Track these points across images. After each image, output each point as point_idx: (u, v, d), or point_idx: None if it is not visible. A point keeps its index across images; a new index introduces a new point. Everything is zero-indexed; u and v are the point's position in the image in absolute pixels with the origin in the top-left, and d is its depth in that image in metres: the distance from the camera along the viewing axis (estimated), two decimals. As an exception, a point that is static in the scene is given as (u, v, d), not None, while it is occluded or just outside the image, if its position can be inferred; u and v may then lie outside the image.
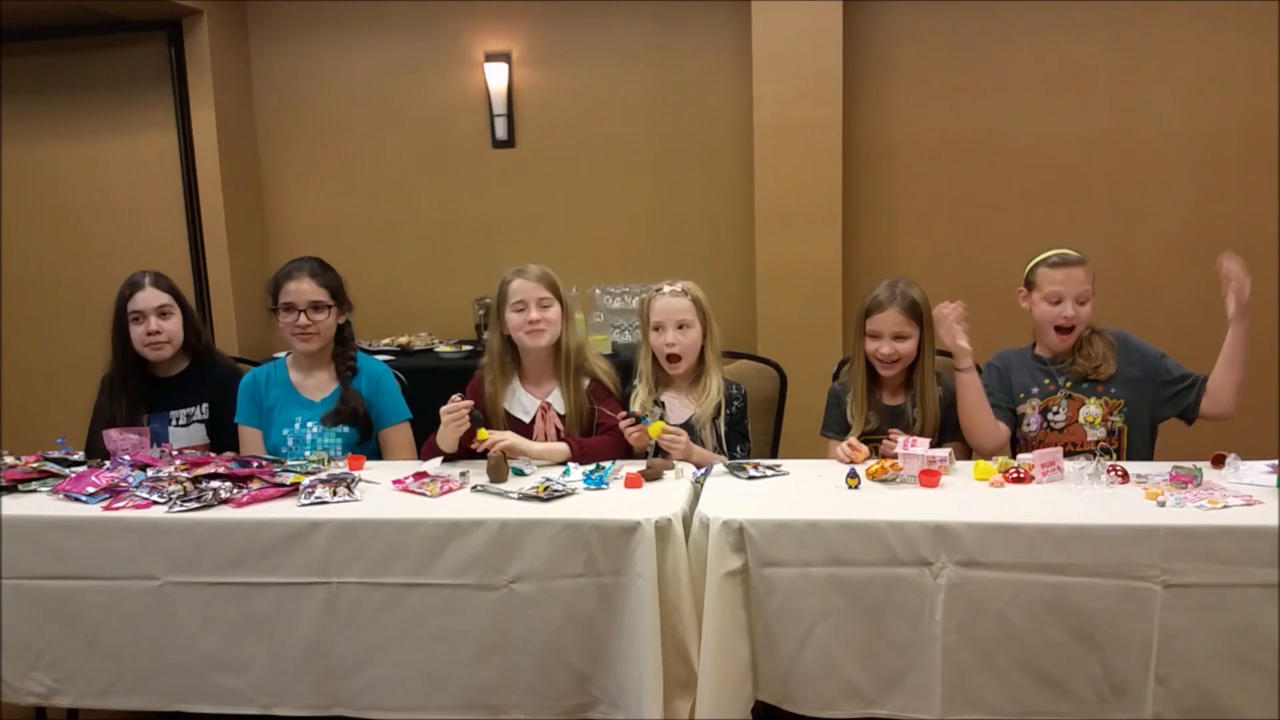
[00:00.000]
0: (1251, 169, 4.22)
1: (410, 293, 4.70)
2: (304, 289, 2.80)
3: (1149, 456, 2.70)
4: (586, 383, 2.78)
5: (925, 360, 2.72)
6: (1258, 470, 2.29)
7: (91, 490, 2.31)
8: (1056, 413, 2.69)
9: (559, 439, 2.71)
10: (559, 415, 2.77)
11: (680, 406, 2.76)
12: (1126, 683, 2.04)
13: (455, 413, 2.57)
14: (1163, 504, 2.12)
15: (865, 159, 4.40)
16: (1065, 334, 2.69)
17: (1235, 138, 4.22)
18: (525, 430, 2.73)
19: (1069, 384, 2.70)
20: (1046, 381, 2.72)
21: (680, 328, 2.73)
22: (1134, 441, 2.68)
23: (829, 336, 4.27)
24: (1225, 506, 2.09)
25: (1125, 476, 2.28)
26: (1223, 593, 2.00)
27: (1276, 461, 2.27)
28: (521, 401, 2.79)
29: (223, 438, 2.87)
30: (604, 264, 4.55)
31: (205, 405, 2.92)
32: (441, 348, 4.46)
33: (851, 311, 4.31)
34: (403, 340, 4.51)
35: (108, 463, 2.54)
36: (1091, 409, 2.66)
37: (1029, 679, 2.07)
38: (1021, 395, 2.75)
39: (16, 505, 2.31)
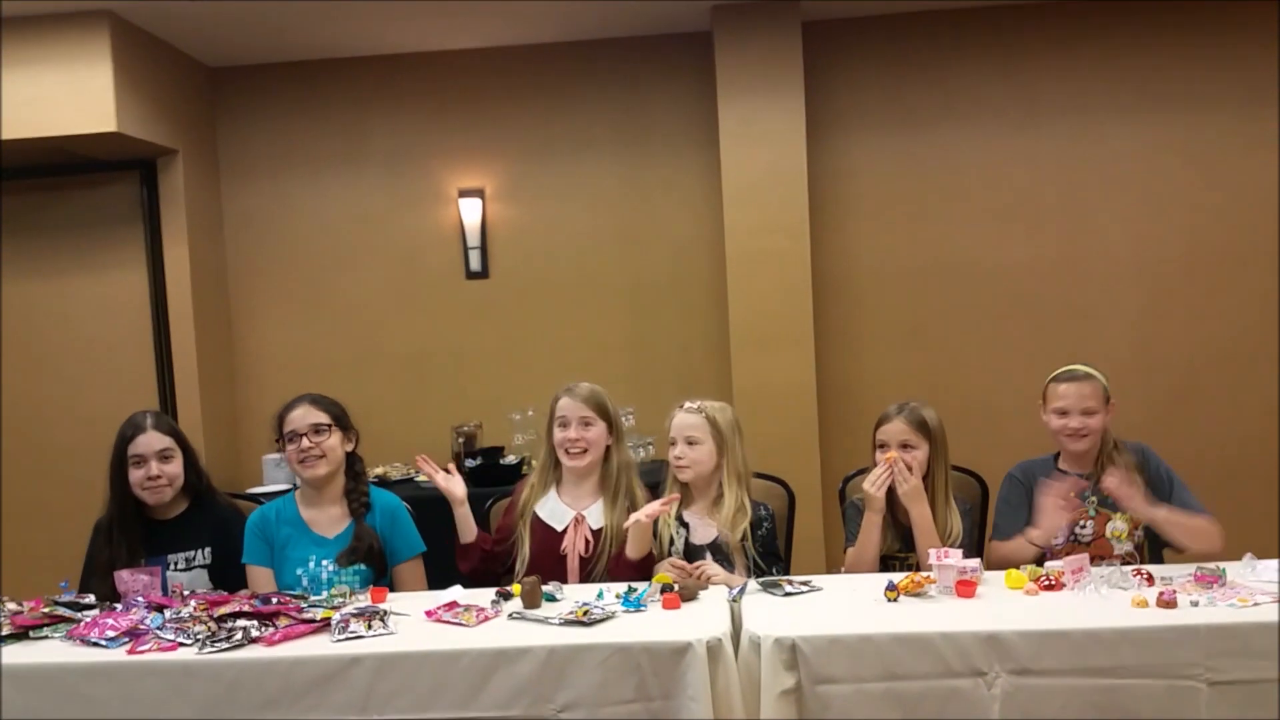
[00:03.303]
0: (1194, 287, 4.50)
1: (385, 424, 4.61)
2: (305, 415, 2.79)
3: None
4: (628, 504, 2.79)
5: (937, 477, 2.80)
6: (1273, 568, 2.36)
7: (112, 634, 2.20)
8: (1084, 527, 2.74)
9: (589, 552, 2.76)
10: (591, 530, 2.78)
11: (704, 526, 2.78)
12: (1180, 783, 2.06)
13: None
14: (1196, 604, 2.18)
15: (832, 285, 4.59)
16: (1078, 439, 2.77)
17: (1177, 259, 4.50)
18: (555, 539, 2.77)
19: (1095, 499, 2.76)
20: (1073, 496, 2.77)
21: (689, 443, 2.78)
22: (1154, 552, 2.77)
23: (808, 454, 4.37)
24: (1256, 604, 2.16)
25: (1151, 579, 2.34)
26: (1265, 688, 2.04)
27: (1291, 561, 2.36)
28: (555, 510, 2.84)
29: (228, 582, 2.76)
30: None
31: (208, 550, 2.81)
32: (420, 477, 4.39)
33: (827, 429, 4.46)
34: (379, 471, 4.43)
35: (119, 605, 2.42)
36: (1118, 524, 2.74)
37: (1085, 786, 2.07)
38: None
39: (30, 653, 2.19)
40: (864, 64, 4.55)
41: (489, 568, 2.86)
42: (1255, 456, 4.46)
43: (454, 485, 2.83)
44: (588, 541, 2.78)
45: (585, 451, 2.81)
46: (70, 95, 3.97)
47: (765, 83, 4.34)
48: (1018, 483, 2.88)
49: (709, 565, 2.67)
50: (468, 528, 2.84)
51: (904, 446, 2.76)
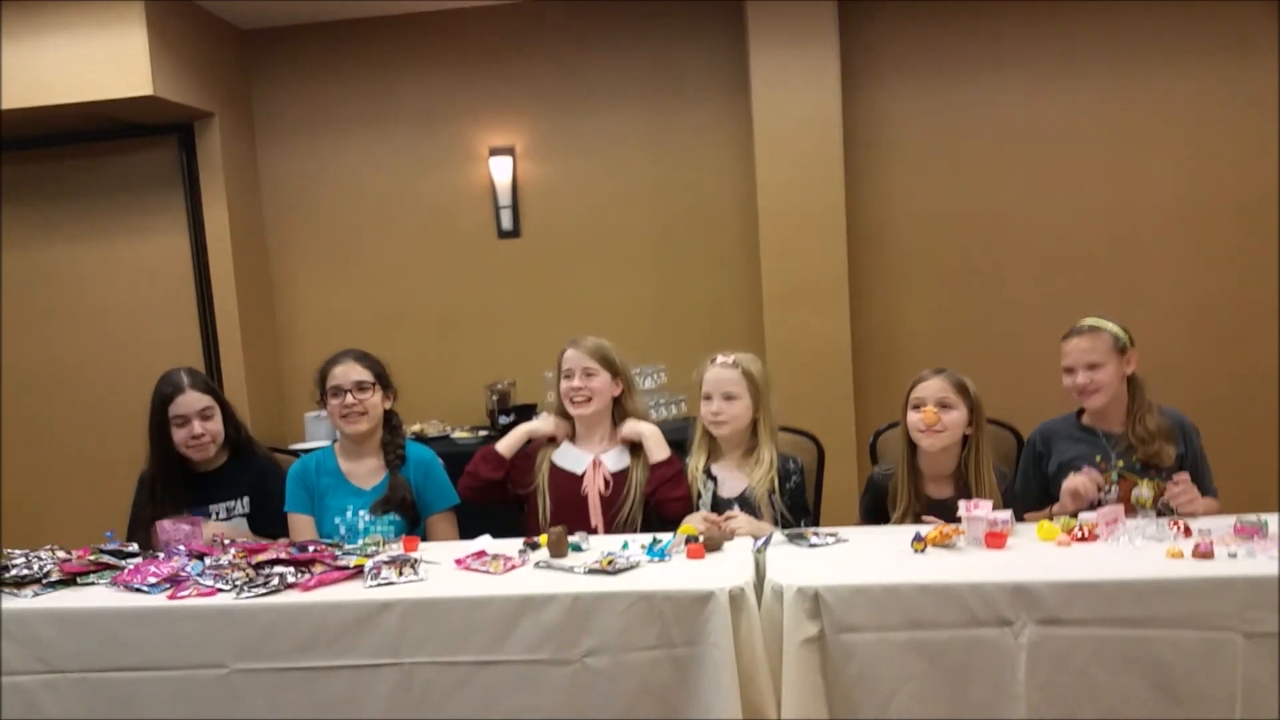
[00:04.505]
0: (1246, 235, 4.37)
1: (421, 382, 4.63)
2: (348, 371, 2.85)
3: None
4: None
5: (978, 450, 2.69)
6: (1317, 520, 2.33)
7: (153, 580, 2.26)
8: (1108, 492, 2.67)
9: (609, 491, 2.81)
10: (610, 471, 2.85)
11: (733, 479, 2.78)
12: (1212, 735, 2.03)
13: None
14: (1234, 555, 2.14)
15: (867, 236, 4.52)
16: (1087, 396, 2.71)
17: (1229, 205, 4.37)
18: (574, 482, 2.83)
19: (1122, 464, 2.70)
20: (1098, 458, 2.71)
21: (727, 398, 2.77)
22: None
23: (842, 409, 4.35)
24: (1295, 556, 2.12)
25: (1188, 531, 2.30)
26: (1302, 641, 2.00)
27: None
28: (572, 455, 2.89)
29: (267, 530, 2.84)
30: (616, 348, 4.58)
31: (246, 499, 2.89)
32: (457, 434, 4.45)
33: (861, 385, 4.43)
34: (415, 428, 4.49)
35: (161, 554, 2.49)
36: (1143, 491, 2.66)
37: (1113, 736, 2.06)
38: (1073, 472, 2.72)
39: (77, 597, 2.26)
40: (900, 8, 4.44)
41: (491, 496, 2.91)
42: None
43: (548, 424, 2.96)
44: (607, 481, 2.83)
45: (589, 400, 2.85)
46: (107, 60, 4.02)
47: (798, 29, 4.25)
48: (1034, 449, 2.84)
49: (737, 516, 2.67)
50: (511, 445, 2.91)
51: (942, 405, 2.64)
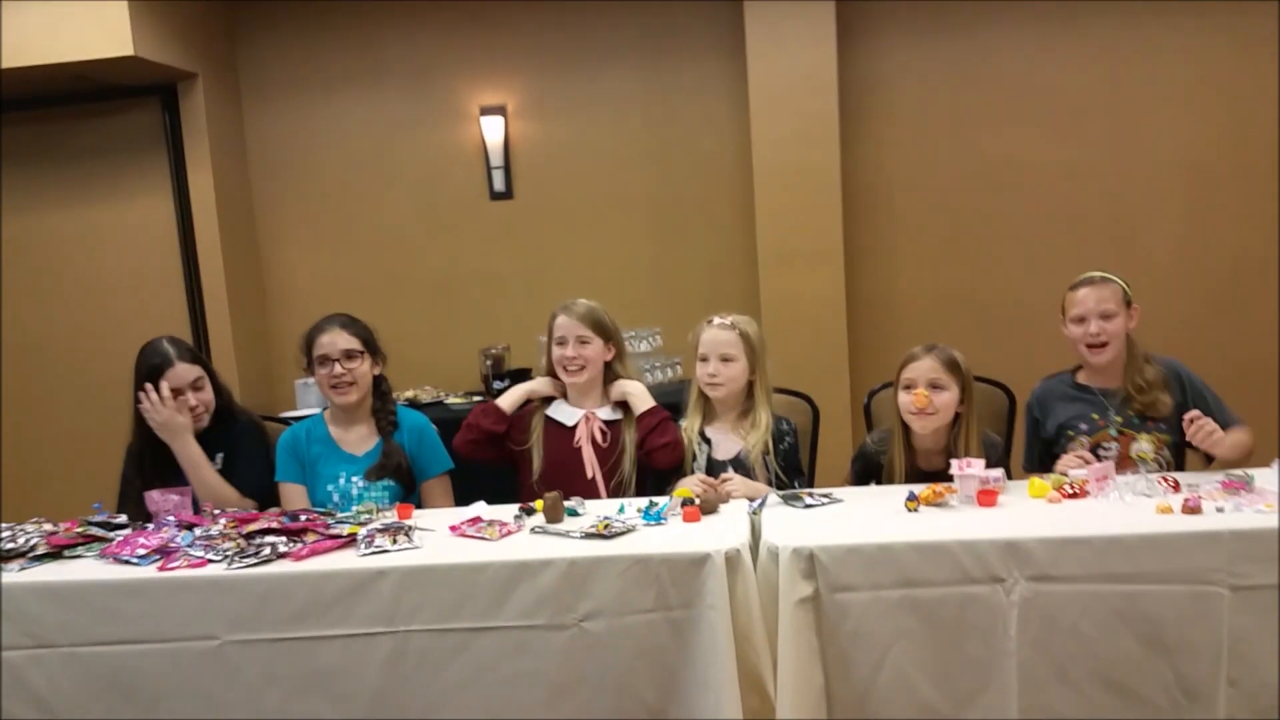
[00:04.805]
0: (1241, 193, 4.35)
1: (413, 347, 4.64)
2: (336, 340, 2.81)
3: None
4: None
5: (968, 426, 2.65)
6: (1302, 474, 2.34)
7: (143, 551, 2.25)
8: (1108, 449, 2.68)
9: (604, 441, 2.82)
10: (603, 422, 2.85)
11: (727, 442, 2.78)
12: (1199, 687, 2.06)
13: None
14: (1221, 510, 2.15)
15: (864, 196, 4.49)
16: (1098, 349, 2.71)
17: (1225, 164, 4.34)
18: (567, 435, 2.83)
19: (1120, 419, 2.71)
20: (1095, 416, 2.72)
21: (724, 360, 2.75)
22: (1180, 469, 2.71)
23: (837, 372, 4.34)
24: (1282, 509, 2.13)
25: (1177, 486, 2.32)
26: (1289, 593, 2.02)
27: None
28: (565, 410, 2.89)
29: (233, 484, 2.81)
30: (607, 310, 4.56)
31: (220, 456, 2.86)
32: (451, 399, 4.44)
33: (857, 347, 4.42)
34: (409, 395, 4.47)
35: (150, 525, 2.48)
36: (1143, 445, 2.67)
37: (1104, 689, 2.08)
38: (1070, 433, 2.74)
39: (65, 571, 2.25)
40: (896, -37, 4.38)
41: (487, 452, 2.89)
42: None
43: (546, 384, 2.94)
44: (603, 432, 2.82)
45: (583, 369, 2.83)
46: (87, 20, 3.95)
47: (794, -13, 4.19)
48: (1032, 415, 2.85)
49: (733, 479, 2.66)
50: (514, 402, 2.91)
51: (933, 386, 2.59)
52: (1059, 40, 4.36)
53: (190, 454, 2.75)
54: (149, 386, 2.75)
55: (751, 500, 2.49)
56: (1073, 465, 2.55)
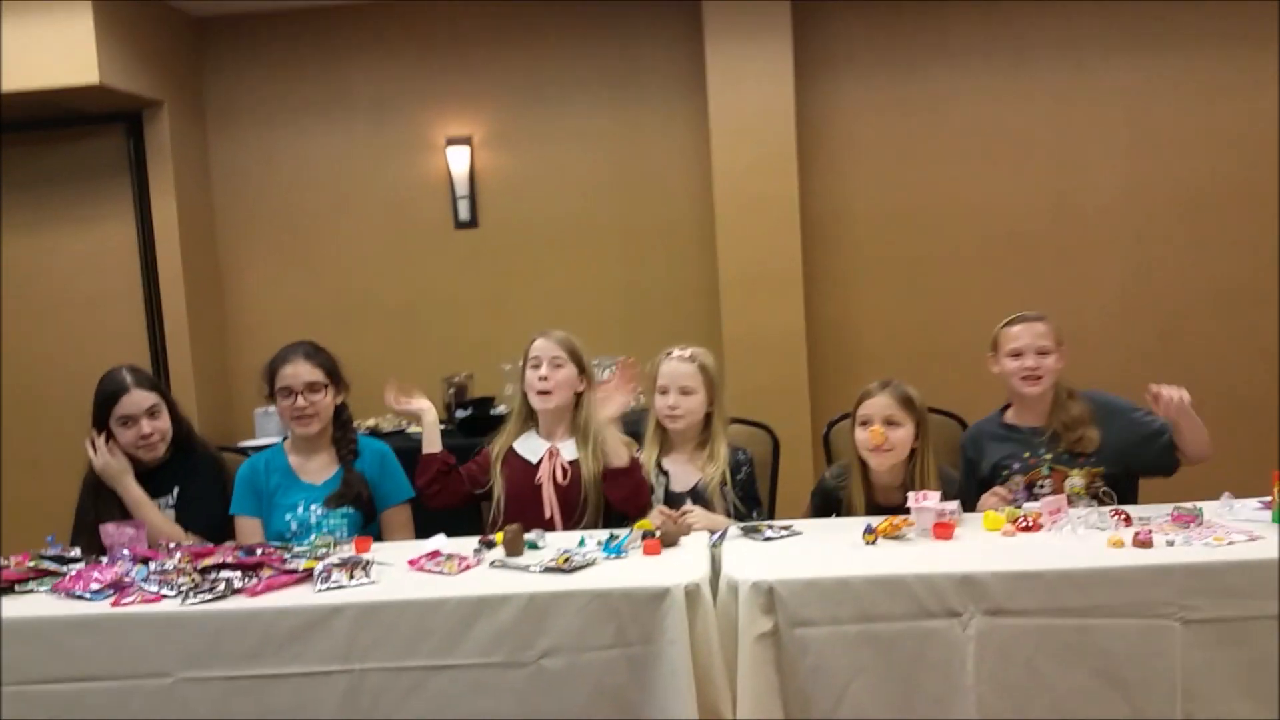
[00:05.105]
0: (1185, 227, 4.46)
1: (376, 375, 4.53)
2: (299, 371, 2.79)
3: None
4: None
5: (924, 460, 2.68)
6: (1250, 507, 2.39)
7: (96, 586, 2.22)
8: (1043, 487, 2.70)
9: (566, 480, 2.77)
10: (566, 461, 2.82)
11: (685, 473, 2.79)
12: (1156, 721, 2.07)
13: None
14: (1171, 543, 2.19)
15: (822, 227, 4.55)
16: (1033, 382, 2.74)
17: (1168, 200, 4.46)
18: (531, 471, 2.80)
19: (1050, 456, 2.74)
20: (1027, 455, 2.76)
21: (684, 392, 2.77)
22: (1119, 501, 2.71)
23: (798, 399, 4.38)
24: (1231, 543, 2.17)
25: (1129, 520, 2.35)
26: (1239, 626, 2.06)
27: (1269, 498, 2.36)
28: (530, 444, 2.86)
29: (187, 519, 2.79)
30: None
31: (176, 490, 2.83)
32: (412, 428, 4.41)
33: (817, 375, 4.46)
34: (370, 423, 4.44)
35: (104, 559, 2.45)
36: (1076, 480, 2.70)
37: (1061, 724, 2.09)
38: (1005, 473, 2.77)
39: (16, 606, 2.20)
40: (852, 6, 4.48)
41: (447, 488, 2.87)
42: (1244, 397, 4.44)
43: (417, 403, 2.89)
44: (565, 470, 2.79)
45: (551, 394, 2.80)
46: (52, 48, 3.93)
47: (753, 23, 4.28)
48: (966, 456, 2.89)
49: (693, 511, 2.67)
50: (433, 439, 2.87)
51: (888, 423, 2.61)
52: (1008, 81, 4.47)
53: (133, 496, 2.73)
54: (93, 434, 2.75)
55: (712, 532, 2.49)
56: (992, 503, 2.60)
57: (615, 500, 2.74)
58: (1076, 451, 2.72)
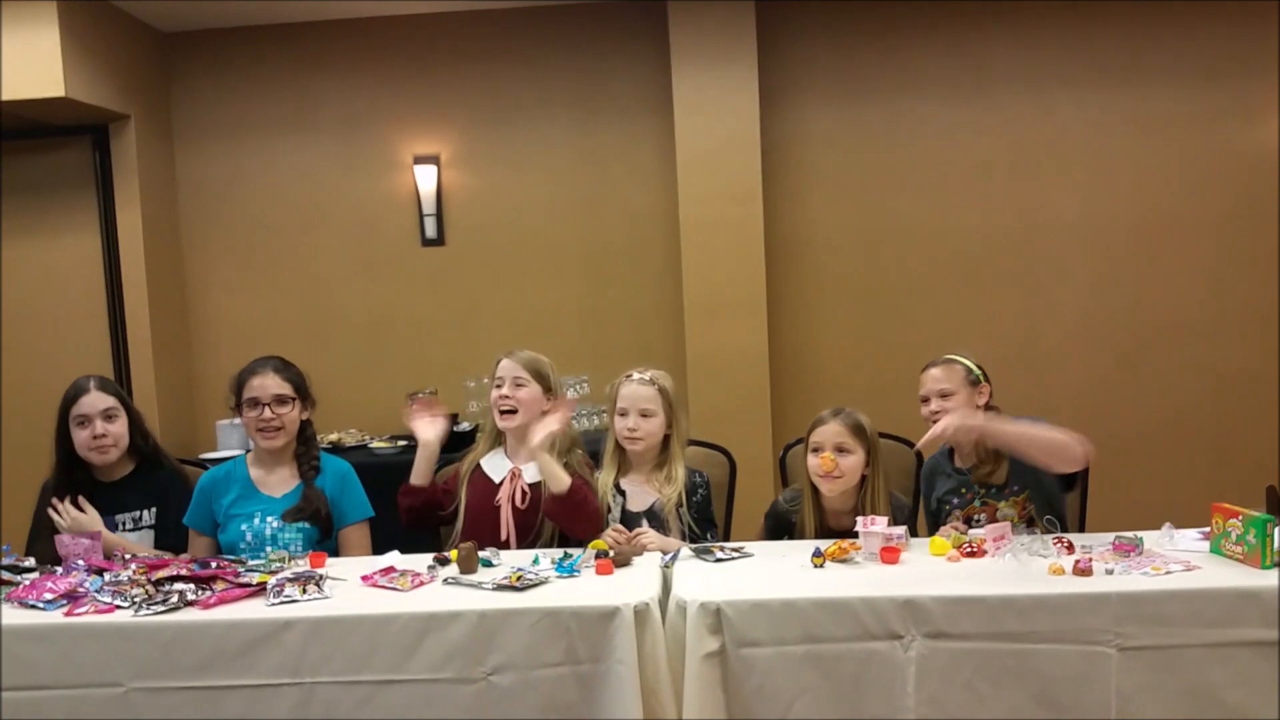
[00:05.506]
0: (1142, 256, 4.58)
1: (340, 390, 4.60)
2: (268, 384, 2.81)
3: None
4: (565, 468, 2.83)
5: (874, 487, 2.73)
6: (1190, 538, 2.45)
7: (50, 596, 2.22)
8: (978, 521, 2.75)
9: (525, 504, 2.80)
10: (527, 483, 2.84)
11: (642, 493, 2.82)
12: (1091, 747, 2.12)
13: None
14: (1110, 571, 2.24)
15: (786, 252, 4.63)
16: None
17: (1125, 228, 4.57)
18: (491, 490, 2.84)
19: (981, 490, 2.80)
20: (964, 491, 2.82)
21: (643, 415, 2.81)
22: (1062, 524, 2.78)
23: (760, 421, 4.44)
24: (1168, 572, 2.22)
25: (1071, 547, 2.40)
26: (1173, 654, 2.10)
27: (1207, 529, 2.42)
28: (496, 462, 2.90)
29: (171, 542, 2.81)
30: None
31: (153, 510, 2.85)
32: (376, 444, 4.43)
33: (779, 397, 4.52)
34: (333, 438, 4.46)
35: (59, 569, 2.45)
36: (1006, 510, 2.76)
37: (1000, 747, 2.14)
38: (947, 507, 2.84)
39: (-32, 615, 2.21)
40: (817, 34, 4.57)
41: (427, 514, 2.91)
42: (1197, 426, 4.57)
43: (433, 430, 2.88)
44: (524, 493, 2.82)
45: (515, 412, 2.84)
46: (18, 60, 3.94)
47: (719, 51, 4.36)
48: (920, 484, 2.97)
49: (647, 532, 2.71)
50: (423, 472, 2.88)
51: (839, 450, 2.67)
52: (969, 110, 4.58)
53: (111, 542, 2.70)
54: (54, 503, 2.74)
55: (665, 553, 2.53)
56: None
57: (555, 524, 2.77)
58: (990, 484, 2.78)
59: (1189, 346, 4.58)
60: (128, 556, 2.51)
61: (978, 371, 2.84)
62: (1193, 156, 4.52)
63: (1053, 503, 2.79)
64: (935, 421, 2.74)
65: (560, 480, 2.71)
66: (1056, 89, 4.53)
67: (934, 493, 2.90)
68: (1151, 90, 4.50)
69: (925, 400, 2.84)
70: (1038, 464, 2.64)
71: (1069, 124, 4.55)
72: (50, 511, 2.74)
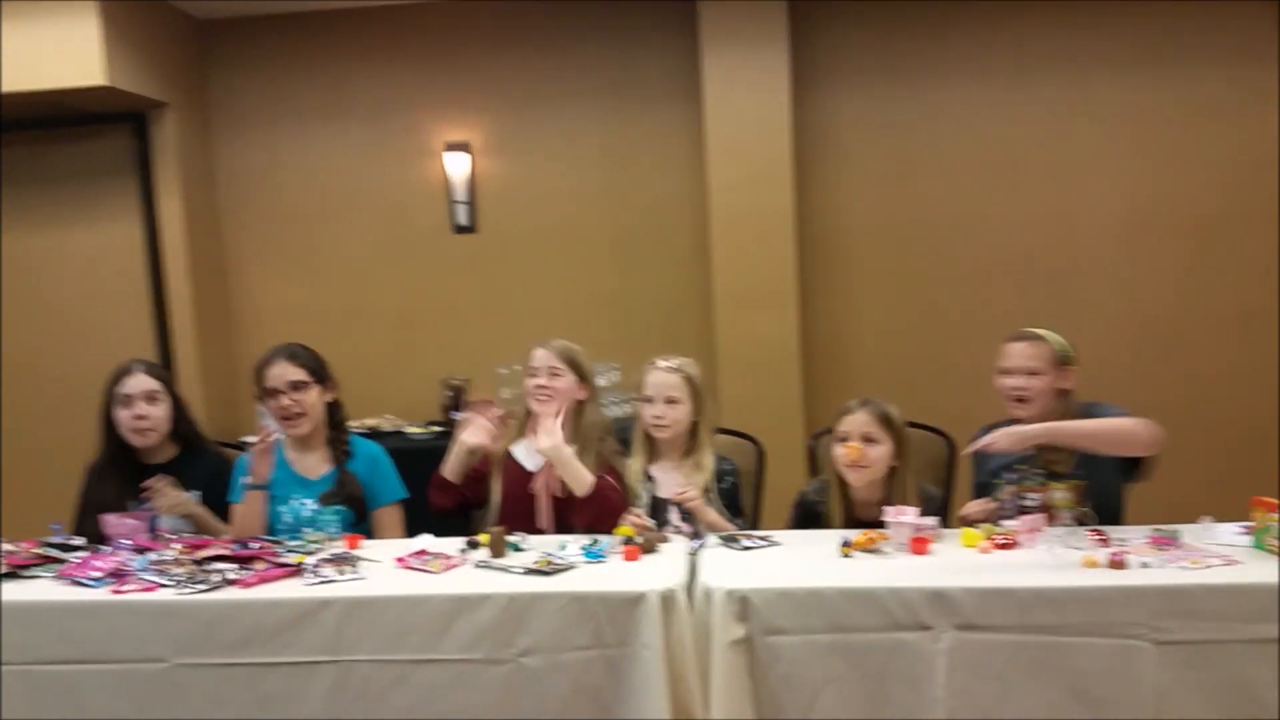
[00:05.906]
0: (1183, 245, 4.48)
1: (374, 376, 4.69)
2: (283, 372, 2.86)
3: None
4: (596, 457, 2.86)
5: (903, 478, 2.71)
6: (1230, 531, 2.42)
7: (97, 574, 2.29)
8: (1032, 498, 2.69)
9: (561, 493, 2.80)
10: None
11: (671, 481, 2.84)
12: (1126, 742, 2.10)
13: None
14: (1147, 565, 2.22)
15: (817, 241, 4.59)
16: (1019, 404, 2.75)
17: (1167, 217, 4.47)
18: (527, 478, 2.86)
19: (1040, 471, 2.75)
20: (1022, 465, 2.78)
21: (669, 402, 2.83)
22: (1103, 517, 2.70)
23: (791, 410, 4.41)
24: (1207, 567, 2.20)
25: (1106, 540, 2.39)
26: (1211, 649, 2.08)
27: (1248, 524, 2.39)
28: (531, 451, 2.89)
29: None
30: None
31: (196, 495, 2.89)
32: (410, 429, 4.48)
33: (810, 387, 4.51)
34: (370, 423, 4.51)
35: (106, 548, 2.51)
36: (1060, 494, 2.70)
37: (1031, 742, 2.12)
38: (999, 481, 2.78)
39: (21, 590, 2.29)
40: (850, 17, 4.51)
41: (460, 510, 2.94)
42: (1241, 418, 4.47)
43: (478, 438, 2.85)
44: (562, 483, 2.82)
45: (551, 400, 2.85)
46: (60, 49, 3.99)
47: (750, 36, 4.32)
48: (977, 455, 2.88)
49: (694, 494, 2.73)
50: (456, 470, 2.89)
51: (866, 439, 2.65)
52: (1006, 96, 4.49)
53: (200, 516, 2.82)
54: (152, 482, 2.76)
55: (693, 539, 2.54)
56: (974, 512, 2.65)
57: (580, 526, 2.74)
58: (1052, 470, 2.75)
59: (1236, 339, 4.47)
60: (170, 536, 2.57)
61: (1069, 351, 2.77)
62: (1239, 142, 4.38)
63: (1108, 493, 2.75)
64: (1014, 398, 2.72)
65: (582, 481, 2.73)
66: (1097, 72, 4.42)
67: (990, 462, 2.81)
68: (1199, 73, 4.38)
69: (1007, 373, 2.75)
70: (1109, 454, 2.62)
71: (1110, 108, 4.44)
72: (149, 488, 2.75)
